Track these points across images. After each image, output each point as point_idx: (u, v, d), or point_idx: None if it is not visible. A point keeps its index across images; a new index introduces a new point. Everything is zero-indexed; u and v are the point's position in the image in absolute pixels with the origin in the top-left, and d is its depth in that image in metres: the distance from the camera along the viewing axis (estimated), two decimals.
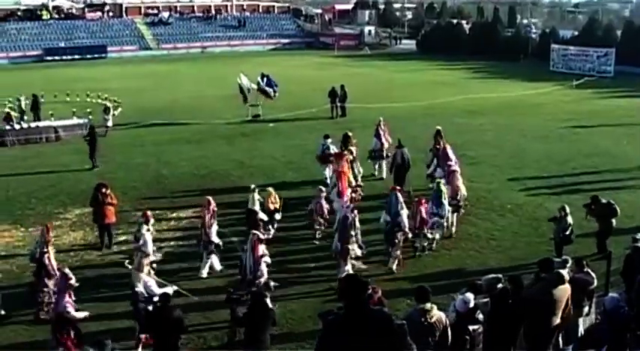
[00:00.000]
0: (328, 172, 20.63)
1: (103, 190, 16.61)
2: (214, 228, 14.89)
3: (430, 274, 14.79)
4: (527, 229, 17.69)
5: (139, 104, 37.24)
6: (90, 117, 30.91)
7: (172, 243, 16.88)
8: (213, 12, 78.78)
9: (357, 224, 14.53)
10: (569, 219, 15.26)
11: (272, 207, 16.99)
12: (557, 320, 10.02)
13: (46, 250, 12.85)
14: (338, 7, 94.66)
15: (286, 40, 77.12)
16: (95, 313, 12.37)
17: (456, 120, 32.21)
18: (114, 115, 31.48)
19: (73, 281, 11.25)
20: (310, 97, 37.88)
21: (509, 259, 15.51)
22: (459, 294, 10.06)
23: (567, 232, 15.20)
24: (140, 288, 11.65)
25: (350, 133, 21.74)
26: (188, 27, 75.91)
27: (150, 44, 71.84)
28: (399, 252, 15.15)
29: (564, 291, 9.95)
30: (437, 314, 8.74)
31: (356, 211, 14.79)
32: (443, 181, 17.19)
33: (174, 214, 18.89)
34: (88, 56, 65.27)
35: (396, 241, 14.96)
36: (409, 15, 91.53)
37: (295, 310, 13.17)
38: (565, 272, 10.42)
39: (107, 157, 25.73)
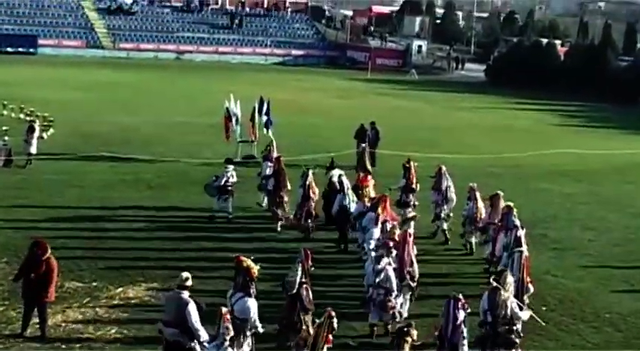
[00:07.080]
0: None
1: (40, 253, 16.47)
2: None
3: None
4: None
5: (81, 126, 37.73)
6: (6, 138, 31.22)
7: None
8: (196, 2, 79.74)
9: None
10: None
11: None
12: None
13: (305, 279, 15.24)
14: (376, 9, 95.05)
15: (300, 52, 78.35)
16: None
17: (535, 185, 32.34)
18: (41, 138, 31.77)
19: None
20: (328, 135, 38.23)
21: None
22: None
23: None
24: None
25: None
26: (159, 20, 77.33)
27: (102, 41, 73.24)
28: None
29: None
30: None
31: None
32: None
33: (121, 301, 18.55)
34: (9, 50, 66.82)
35: None
36: (478, 28, 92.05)
37: None
38: None
39: (28, 199, 25.93)
